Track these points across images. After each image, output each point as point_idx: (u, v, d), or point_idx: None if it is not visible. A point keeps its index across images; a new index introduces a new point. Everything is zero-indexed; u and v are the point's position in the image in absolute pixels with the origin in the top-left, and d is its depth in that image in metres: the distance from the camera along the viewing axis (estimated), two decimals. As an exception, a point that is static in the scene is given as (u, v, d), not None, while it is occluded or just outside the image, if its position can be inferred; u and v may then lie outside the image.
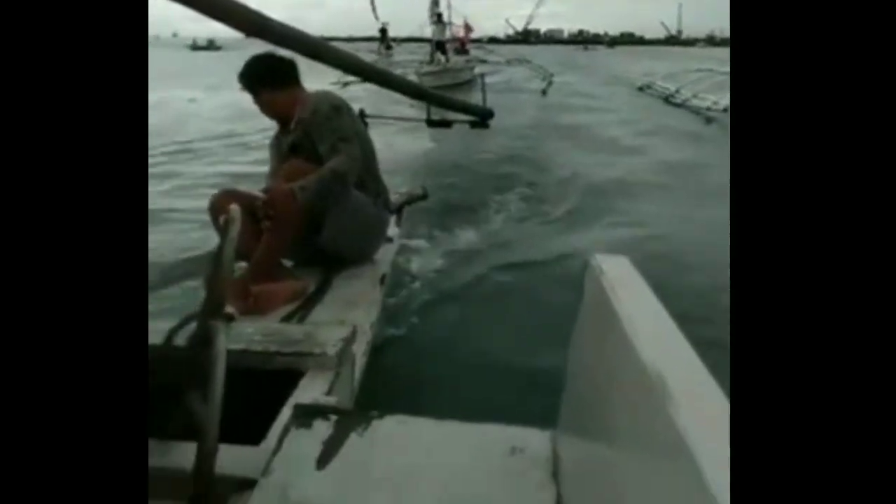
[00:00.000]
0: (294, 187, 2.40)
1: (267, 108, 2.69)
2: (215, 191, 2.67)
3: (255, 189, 2.65)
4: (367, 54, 25.45)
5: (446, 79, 18.96)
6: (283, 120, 2.72)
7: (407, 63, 23.62)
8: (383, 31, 29.29)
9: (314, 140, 2.58)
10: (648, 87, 18.54)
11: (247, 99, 2.69)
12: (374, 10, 25.29)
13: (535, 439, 1.17)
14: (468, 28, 28.06)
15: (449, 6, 25.46)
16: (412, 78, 16.34)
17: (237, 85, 2.64)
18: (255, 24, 1.37)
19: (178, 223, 4.81)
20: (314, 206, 2.44)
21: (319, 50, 2.16)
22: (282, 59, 2.62)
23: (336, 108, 2.62)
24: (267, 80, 2.62)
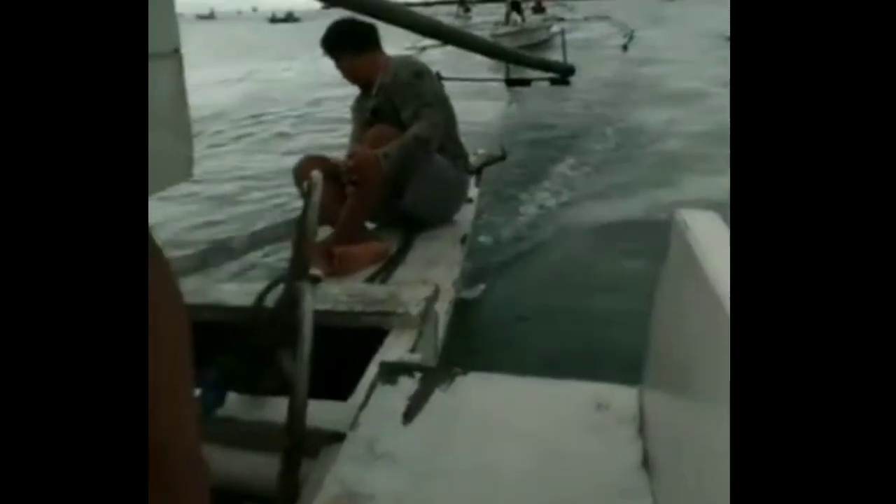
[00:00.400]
0: (378, 153, 2.43)
1: (348, 73, 2.72)
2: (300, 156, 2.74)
3: (339, 154, 2.70)
4: (446, 17, 25.14)
5: (522, 39, 18.16)
6: (365, 84, 2.74)
7: (484, 25, 23.07)
8: None
9: (396, 105, 2.60)
10: None
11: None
12: None
13: (620, 395, 1.16)
14: None
15: None
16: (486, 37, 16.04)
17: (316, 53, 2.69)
18: None
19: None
20: (397, 172, 2.47)
21: (396, 14, 2.16)
22: (361, 24, 2.64)
23: (418, 73, 2.63)
24: (347, 44, 2.65)
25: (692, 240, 0.78)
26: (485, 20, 26.10)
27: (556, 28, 23.25)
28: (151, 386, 0.70)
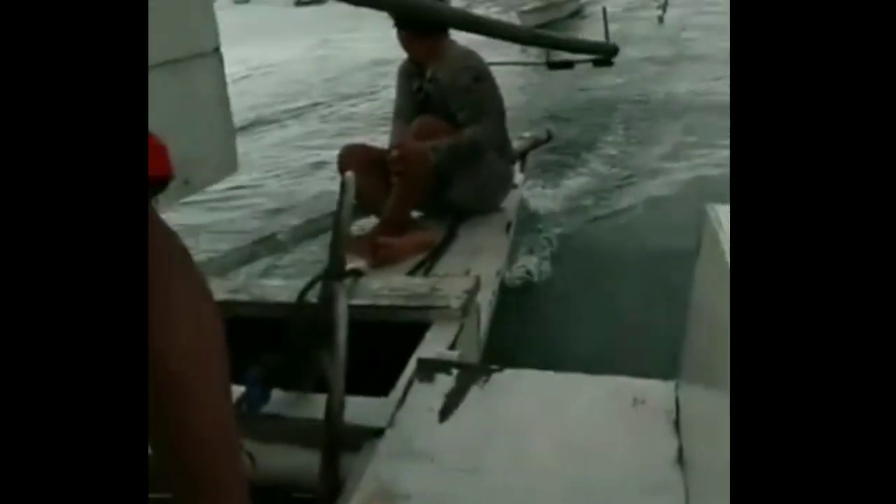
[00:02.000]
0: (427, 147, 2.43)
1: (404, 44, 2.67)
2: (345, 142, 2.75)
3: (384, 139, 2.70)
4: None
5: (552, 13, 17.04)
6: (416, 62, 2.71)
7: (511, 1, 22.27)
8: None
9: (450, 104, 2.57)
10: None
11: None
12: None
13: (657, 390, 1.15)
14: None
15: None
16: (512, 17, 15.54)
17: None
18: None
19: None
20: (445, 167, 2.47)
21: (419, 8, 2.10)
22: None
23: (477, 78, 2.59)
24: (410, 22, 2.57)
25: (723, 235, 0.77)
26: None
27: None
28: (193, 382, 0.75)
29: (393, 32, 2.63)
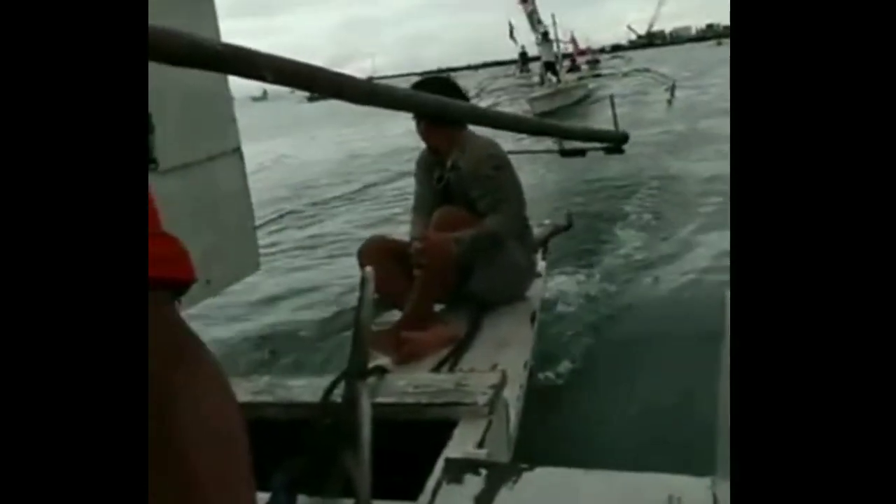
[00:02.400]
0: (450, 238, 2.43)
1: (422, 134, 2.69)
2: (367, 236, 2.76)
3: (404, 230, 2.71)
4: (505, 79, 25.16)
5: (559, 100, 17.69)
6: (436, 152, 2.72)
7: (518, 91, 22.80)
8: (523, 54, 28.67)
9: (470, 190, 2.59)
10: None
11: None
12: (511, 34, 24.49)
13: (692, 487, 1.10)
14: (574, 42, 26.96)
15: (553, 23, 23.29)
16: (523, 105, 15.80)
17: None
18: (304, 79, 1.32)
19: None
20: (467, 258, 2.46)
21: (426, 105, 2.10)
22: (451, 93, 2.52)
23: (498, 167, 2.62)
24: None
25: None
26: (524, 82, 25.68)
27: (591, 85, 22.97)
28: (210, 483, 0.72)
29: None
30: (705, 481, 1.09)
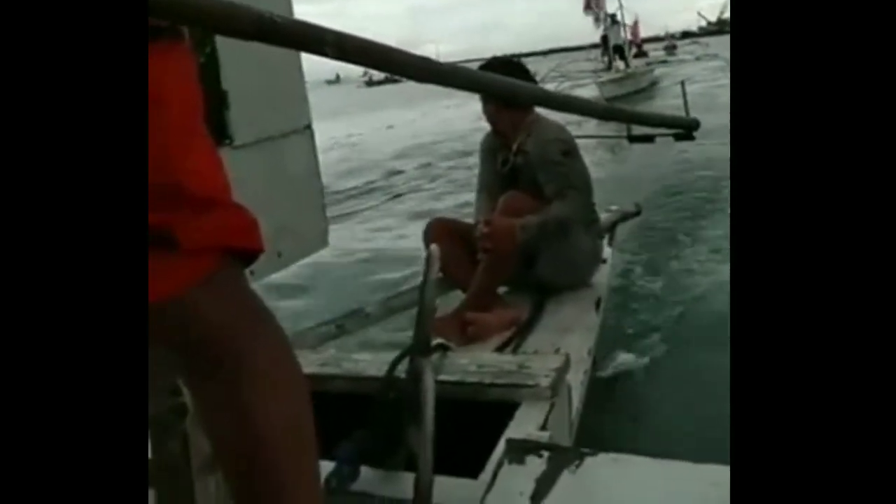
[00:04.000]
0: (516, 224, 2.41)
1: (489, 116, 2.69)
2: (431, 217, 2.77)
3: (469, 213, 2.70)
4: (586, 62, 24.67)
5: (628, 86, 17.25)
6: (502, 134, 2.71)
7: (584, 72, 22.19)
8: (605, 38, 27.88)
9: (538, 177, 2.56)
10: None
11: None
12: (596, 18, 23.45)
13: None
14: (636, 29, 26.03)
15: (621, 6, 22.85)
16: (592, 88, 15.44)
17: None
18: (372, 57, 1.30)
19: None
20: (532, 244, 2.45)
21: (494, 85, 2.07)
22: (520, 74, 2.55)
23: (567, 152, 2.58)
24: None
25: None
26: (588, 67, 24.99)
27: (657, 72, 22.31)
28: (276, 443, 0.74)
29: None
30: None
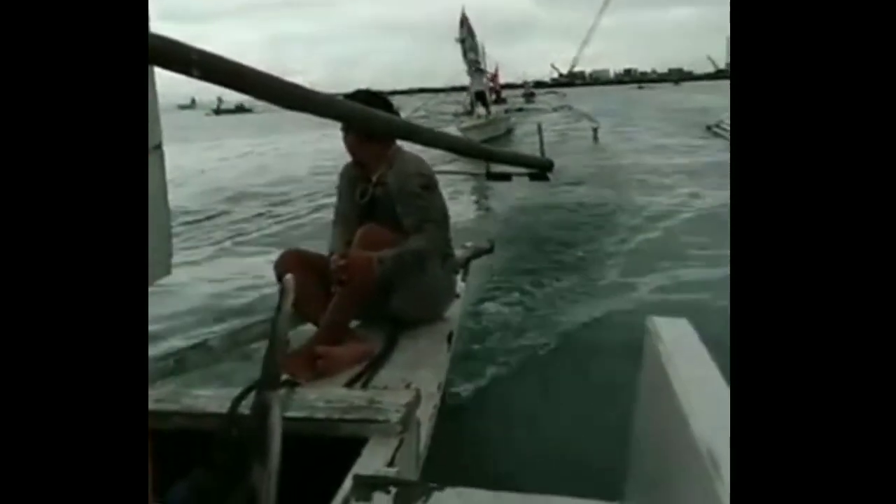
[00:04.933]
0: (374, 258, 2.39)
1: (350, 147, 2.66)
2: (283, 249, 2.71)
3: (321, 245, 2.66)
4: (451, 105, 25.06)
5: (488, 131, 17.60)
6: (362, 166, 2.69)
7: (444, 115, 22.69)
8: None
9: (397, 207, 2.56)
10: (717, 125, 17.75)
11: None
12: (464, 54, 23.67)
13: None
14: (496, 76, 27.05)
15: (483, 54, 23.41)
16: (454, 131, 16.02)
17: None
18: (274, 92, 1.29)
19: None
20: (388, 277, 2.45)
21: (368, 118, 2.12)
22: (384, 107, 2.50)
23: (427, 185, 2.60)
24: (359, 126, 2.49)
25: (663, 352, 0.76)
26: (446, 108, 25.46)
27: (514, 119, 23.41)
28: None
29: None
30: None
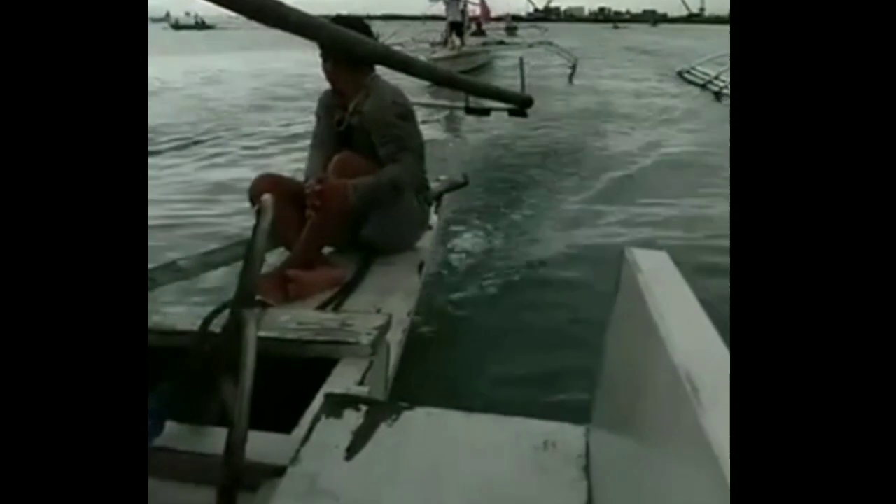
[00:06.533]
0: (349, 185, 2.38)
1: (329, 75, 2.63)
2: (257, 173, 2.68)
3: (297, 170, 2.62)
4: (427, 34, 24.38)
5: (460, 64, 16.74)
6: (340, 94, 2.67)
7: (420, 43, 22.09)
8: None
9: (373, 136, 2.54)
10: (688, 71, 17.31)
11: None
12: None
13: (568, 434, 1.15)
14: (485, 8, 26.37)
15: None
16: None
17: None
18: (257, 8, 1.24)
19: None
20: (362, 205, 2.44)
21: (342, 38, 2.05)
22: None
23: (403, 115, 2.57)
24: (338, 53, 2.47)
25: (641, 281, 0.77)
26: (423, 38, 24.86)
27: (492, 52, 22.90)
28: None
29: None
30: (580, 429, 1.14)
